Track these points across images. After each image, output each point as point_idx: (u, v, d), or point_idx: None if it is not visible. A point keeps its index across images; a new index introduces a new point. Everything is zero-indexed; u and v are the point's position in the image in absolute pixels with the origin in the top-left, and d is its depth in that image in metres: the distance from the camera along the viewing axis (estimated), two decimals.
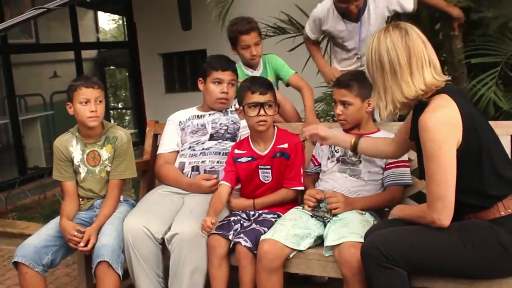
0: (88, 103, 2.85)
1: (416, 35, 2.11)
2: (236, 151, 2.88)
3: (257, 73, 3.35)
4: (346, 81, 2.75)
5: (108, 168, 2.97)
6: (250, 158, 2.83)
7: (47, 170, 6.07)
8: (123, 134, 3.00)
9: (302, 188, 2.81)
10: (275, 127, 2.87)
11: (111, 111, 9.91)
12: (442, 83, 2.11)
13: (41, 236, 2.78)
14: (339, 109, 2.76)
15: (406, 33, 2.10)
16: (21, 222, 4.77)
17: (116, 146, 2.96)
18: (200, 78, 3.17)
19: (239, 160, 2.85)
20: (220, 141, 3.09)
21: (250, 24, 3.29)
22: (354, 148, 2.59)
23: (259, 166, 2.82)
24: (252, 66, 3.39)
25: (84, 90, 2.84)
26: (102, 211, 2.86)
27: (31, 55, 7.55)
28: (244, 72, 3.36)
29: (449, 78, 2.14)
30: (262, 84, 2.78)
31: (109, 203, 2.90)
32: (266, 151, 2.81)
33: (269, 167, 2.81)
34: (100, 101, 2.89)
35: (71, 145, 2.97)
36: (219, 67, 3.09)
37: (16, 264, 2.71)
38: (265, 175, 2.83)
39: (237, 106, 2.89)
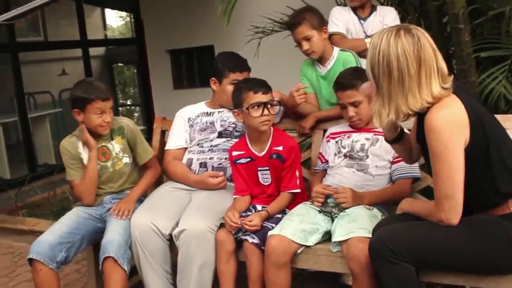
0: (103, 114, 2.88)
1: (427, 43, 2.01)
2: (234, 153, 2.86)
3: (324, 69, 3.14)
4: (348, 81, 2.70)
5: (125, 159, 3.02)
6: (249, 159, 2.82)
7: (57, 167, 6.12)
8: (126, 122, 3.06)
9: (298, 190, 2.79)
10: (271, 127, 2.84)
11: (120, 108, 9.94)
12: (449, 92, 2.03)
13: (55, 233, 2.79)
14: (352, 111, 2.70)
15: (419, 40, 2.00)
16: (31, 219, 4.81)
17: (127, 135, 3.02)
18: (214, 78, 3.15)
19: (238, 161, 2.84)
20: (228, 138, 3.08)
21: (297, 17, 3.06)
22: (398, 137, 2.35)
23: (258, 168, 2.81)
24: (320, 61, 3.15)
25: (101, 103, 2.87)
26: (142, 181, 3.06)
27: (39, 53, 7.58)
28: (314, 68, 3.19)
29: (452, 82, 2.06)
30: (263, 84, 2.75)
31: (149, 174, 3.09)
32: (263, 152, 2.80)
33: (267, 168, 2.80)
34: (111, 109, 2.94)
35: (78, 147, 2.97)
36: (237, 69, 3.06)
37: (30, 260, 2.72)
38: (265, 177, 2.82)
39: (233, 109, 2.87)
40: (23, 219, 4.85)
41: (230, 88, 3.04)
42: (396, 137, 2.34)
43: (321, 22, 3.09)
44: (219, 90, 3.14)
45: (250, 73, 3.08)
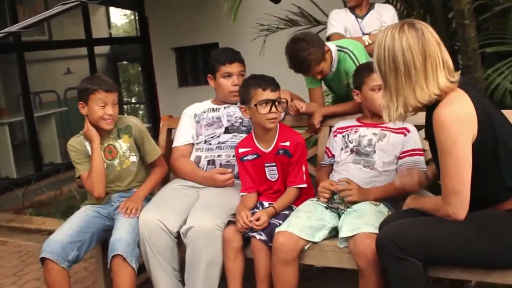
0: (105, 106, 2.88)
1: (432, 37, 2.03)
2: (241, 150, 2.86)
3: (330, 72, 3.10)
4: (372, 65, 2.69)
5: (132, 158, 3.03)
6: (255, 156, 2.83)
7: (63, 166, 6.13)
8: (134, 121, 3.08)
9: (305, 185, 2.80)
10: (277, 124, 2.84)
11: (125, 106, 9.95)
12: (455, 85, 2.04)
13: (66, 232, 2.80)
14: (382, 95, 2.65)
15: (422, 34, 2.02)
16: (38, 218, 4.84)
17: (134, 134, 3.03)
18: (210, 75, 3.19)
19: (245, 158, 2.84)
20: (235, 134, 3.09)
21: (303, 61, 2.90)
22: None
23: (265, 164, 2.82)
24: None
25: (103, 94, 2.87)
26: (149, 180, 3.05)
27: (44, 52, 7.59)
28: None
29: (459, 76, 2.07)
30: (272, 81, 2.76)
31: (157, 172, 3.10)
32: (270, 148, 2.80)
33: (274, 164, 2.81)
34: (115, 103, 2.93)
35: (85, 145, 2.99)
36: (226, 61, 3.10)
37: (42, 259, 2.73)
38: (272, 173, 2.82)
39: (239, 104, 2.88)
40: (30, 218, 4.88)
41: (223, 81, 3.11)
42: None
43: (323, 48, 2.95)
44: (216, 85, 3.18)
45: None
